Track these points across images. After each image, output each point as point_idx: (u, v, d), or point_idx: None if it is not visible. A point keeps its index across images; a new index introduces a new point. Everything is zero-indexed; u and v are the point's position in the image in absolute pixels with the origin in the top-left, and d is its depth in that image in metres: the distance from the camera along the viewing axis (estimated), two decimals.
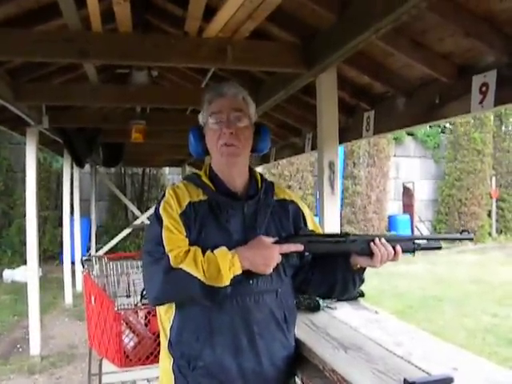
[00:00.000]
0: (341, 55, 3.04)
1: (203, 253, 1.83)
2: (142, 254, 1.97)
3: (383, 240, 1.95)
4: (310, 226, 2.15)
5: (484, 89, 2.69)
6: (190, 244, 1.89)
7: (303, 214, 2.16)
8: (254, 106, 2.09)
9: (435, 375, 1.66)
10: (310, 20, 3.37)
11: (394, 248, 1.94)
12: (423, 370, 1.74)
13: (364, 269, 2.05)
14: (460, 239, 2.09)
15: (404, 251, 1.97)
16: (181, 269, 1.79)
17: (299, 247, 1.95)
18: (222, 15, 3.08)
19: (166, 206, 1.94)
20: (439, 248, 2.04)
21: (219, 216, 1.96)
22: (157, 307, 2.06)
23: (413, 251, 1.99)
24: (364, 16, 2.61)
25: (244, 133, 1.99)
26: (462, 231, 2.04)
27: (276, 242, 1.92)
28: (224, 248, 1.85)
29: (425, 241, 2.05)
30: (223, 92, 2.00)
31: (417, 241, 2.01)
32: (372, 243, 1.94)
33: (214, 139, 1.99)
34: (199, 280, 1.78)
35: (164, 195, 2.00)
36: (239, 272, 1.82)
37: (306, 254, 2.03)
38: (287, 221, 2.10)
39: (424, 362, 1.81)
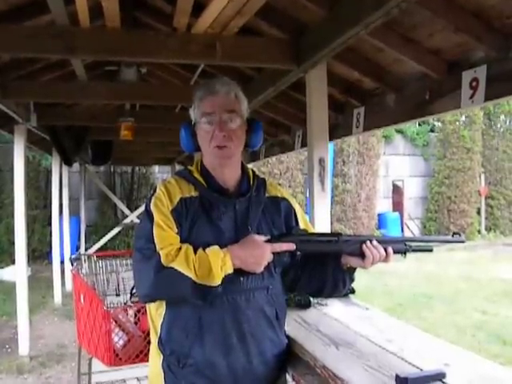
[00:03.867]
0: (331, 51, 3.02)
1: (195, 251, 1.81)
2: (132, 250, 1.95)
3: (375, 242, 1.95)
4: (301, 224, 2.14)
5: (474, 84, 2.69)
6: (181, 241, 1.87)
7: (295, 211, 2.15)
8: (246, 102, 2.06)
9: (427, 371, 1.65)
10: (300, 16, 3.37)
11: (385, 249, 1.94)
12: (415, 366, 1.73)
13: (354, 268, 2.06)
14: (451, 242, 2.09)
15: (395, 253, 1.98)
16: (172, 267, 1.77)
17: (291, 246, 1.94)
18: (211, 11, 3.06)
19: (157, 202, 1.92)
20: (430, 250, 2.05)
21: (211, 213, 1.94)
22: (147, 304, 2.04)
23: (404, 253, 2.00)
24: (354, 11, 2.60)
25: (236, 133, 1.97)
26: (454, 234, 2.05)
27: (268, 241, 1.91)
28: (216, 247, 1.83)
29: (416, 242, 2.06)
30: (215, 90, 1.96)
31: (408, 242, 2.01)
32: (364, 245, 1.94)
33: (206, 139, 1.96)
34: (190, 279, 1.76)
35: (155, 191, 1.98)
36: (231, 271, 1.81)
37: (298, 253, 2.01)
38: (279, 218, 2.08)
39: (416, 358, 1.80)
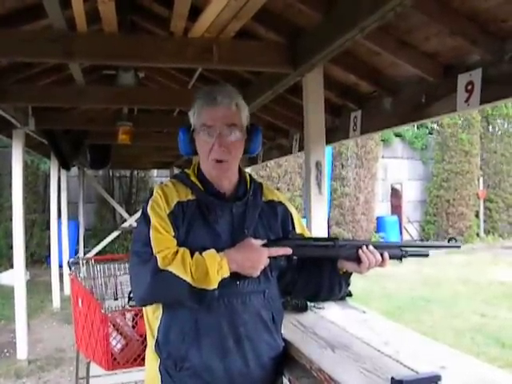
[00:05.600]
0: (327, 54, 3.03)
1: (191, 254, 1.81)
2: (129, 254, 1.95)
3: (371, 247, 1.97)
4: (298, 229, 2.14)
5: (470, 87, 2.70)
6: (178, 244, 1.87)
7: (291, 215, 2.15)
8: (247, 110, 2.04)
9: (423, 373, 1.65)
10: (296, 19, 3.38)
11: (381, 255, 1.96)
12: (411, 369, 1.73)
13: (350, 273, 2.07)
14: (447, 247, 2.11)
15: (391, 258, 1.99)
16: (169, 271, 1.77)
17: (288, 251, 1.95)
18: (208, 15, 3.07)
19: (154, 206, 1.92)
20: (426, 255, 2.06)
21: (207, 217, 1.94)
22: (144, 307, 2.04)
23: (400, 258, 2.01)
24: (350, 14, 2.61)
25: (235, 145, 1.96)
26: (450, 239, 2.07)
27: (264, 245, 1.92)
28: (212, 250, 1.83)
29: (412, 248, 2.07)
30: (216, 102, 1.93)
31: (404, 248, 2.02)
32: (360, 250, 1.95)
33: (205, 150, 1.95)
34: (187, 282, 1.76)
35: (152, 194, 1.98)
36: (227, 275, 1.81)
37: (294, 257, 2.01)
38: (275, 222, 2.09)
39: (412, 361, 1.80)
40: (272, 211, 2.10)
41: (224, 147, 1.92)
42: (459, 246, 2.07)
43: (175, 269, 1.77)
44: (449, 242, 2.07)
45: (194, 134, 2.00)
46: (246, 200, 2.02)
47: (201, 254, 1.82)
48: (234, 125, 1.95)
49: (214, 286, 1.79)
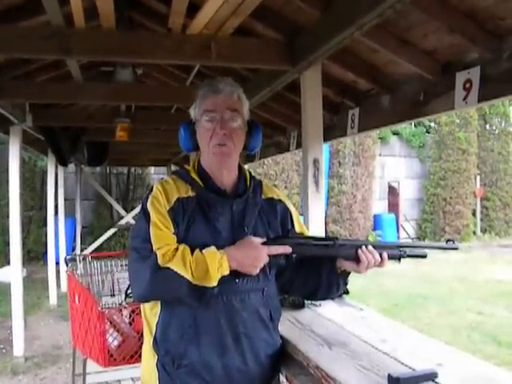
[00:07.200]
0: (325, 51, 3.03)
1: (191, 251, 1.81)
2: (128, 249, 1.94)
3: (370, 247, 1.96)
4: (297, 227, 2.15)
5: (468, 85, 2.70)
6: (178, 241, 1.86)
7: (291, 214, 2.15)
8: (248, 104, 2.05)
9: (420, 370, 1.66)
10: (295, 16, 3.37)
11: (380, 255, 1.96)
12: (408, 366, 1.74)
13: (349, 272, 2.06)
14: (446, 248, 2.11)
15: (390, 258, 1.99)
16: (168, 268, 1.77)
17: (287, 249, 1.94)
18: (206, 11, 3.06)
19: (154, 201, 1.91)
20: (424, 256, 2.07)
21: (208, 213, 1.94)
22: (142, 304, 2.04)
23: (399, 258, 2.01)
24: (348, 11, 2.61)
25: (237, 133, 1.96)
26: (448, 240, 2.08)
27: (264, 243, 1.91)
28: (213, 248, 1.83)
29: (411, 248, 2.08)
30: (218, 89, 1.95)
31: (402, 248, 2.03)
32: (359, 250, 1.95)
33: (206, 138, 1.95)
34: (187, 280, 1.76)
35: (152, 190, 1.97)
36: (227, 272, 1.81)
37: (294, 256, 2.01)
38: (275, 220, 2.08)
39: (409, 358, 1.81)
40: (272, 209, 2.10)
41: (226, 130, 1.92)
42: (457, 248, 2.08)
43: (175, 266, 1.77)
44: (447, 243, 2.08)
45: (196, 126, 2.00)
46: (246, 197, 2.02)
47: (201, 251, 1.81)
48: (235, 110, 1.96)
49: (214, 283, 1.78)
